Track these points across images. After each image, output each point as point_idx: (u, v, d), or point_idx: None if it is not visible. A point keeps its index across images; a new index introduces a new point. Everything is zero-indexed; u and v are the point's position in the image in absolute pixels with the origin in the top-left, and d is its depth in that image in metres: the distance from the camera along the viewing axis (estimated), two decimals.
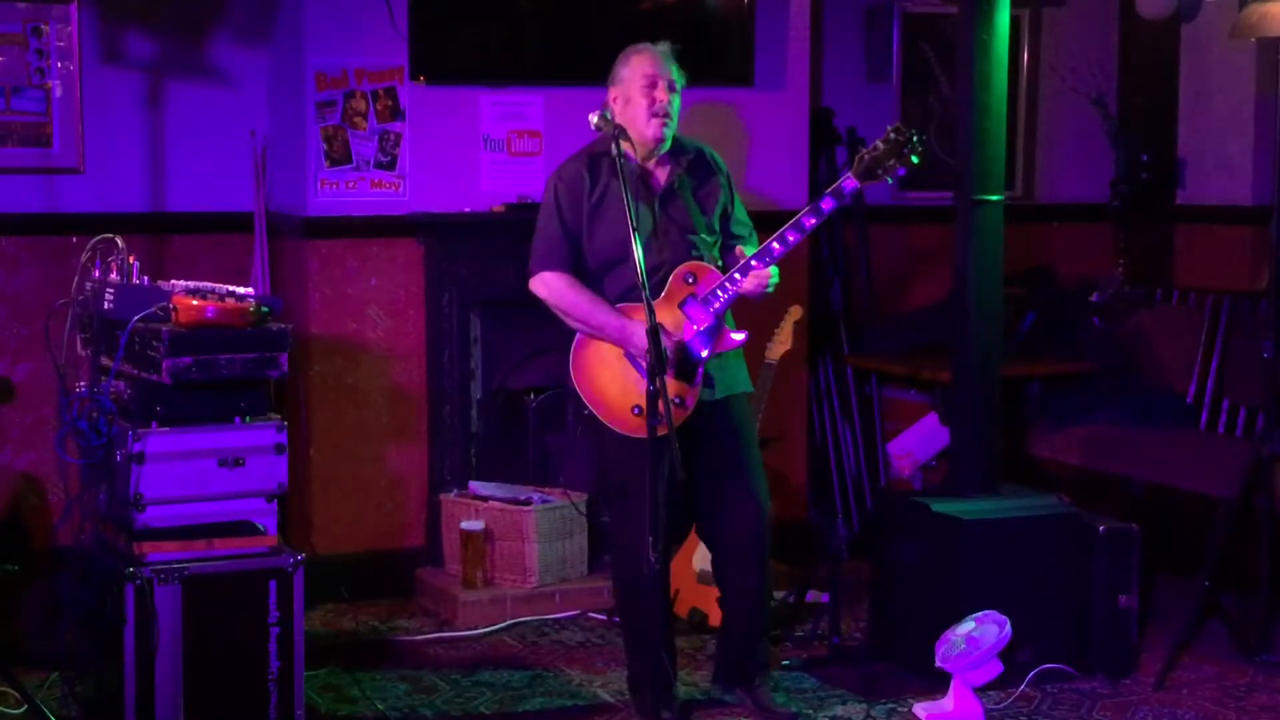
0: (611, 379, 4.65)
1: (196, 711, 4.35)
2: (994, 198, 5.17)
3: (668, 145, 4.75)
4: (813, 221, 4.64)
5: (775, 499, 5.72)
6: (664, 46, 4.77)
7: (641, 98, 4.67)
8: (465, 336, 6.14)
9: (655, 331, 4.28)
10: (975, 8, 5.15)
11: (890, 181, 4.77)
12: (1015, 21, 5.80)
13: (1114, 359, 6.76)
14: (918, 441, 6.27)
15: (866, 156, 4.68)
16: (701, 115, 5.88)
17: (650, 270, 4.66)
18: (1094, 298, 6.92)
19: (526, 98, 6.17)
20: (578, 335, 4.72)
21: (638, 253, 4.35)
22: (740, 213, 4.92)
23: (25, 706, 4.56)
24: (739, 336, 4.75)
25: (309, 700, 4.62)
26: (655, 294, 4.66)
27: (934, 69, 7.10)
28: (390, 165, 6.02)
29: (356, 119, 5.96)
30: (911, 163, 4.70)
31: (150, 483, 4.37)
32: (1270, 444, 5.22)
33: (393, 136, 6.01)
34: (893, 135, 4.68)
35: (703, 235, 4.76)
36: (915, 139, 4.68)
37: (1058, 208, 7.45)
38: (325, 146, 5.93)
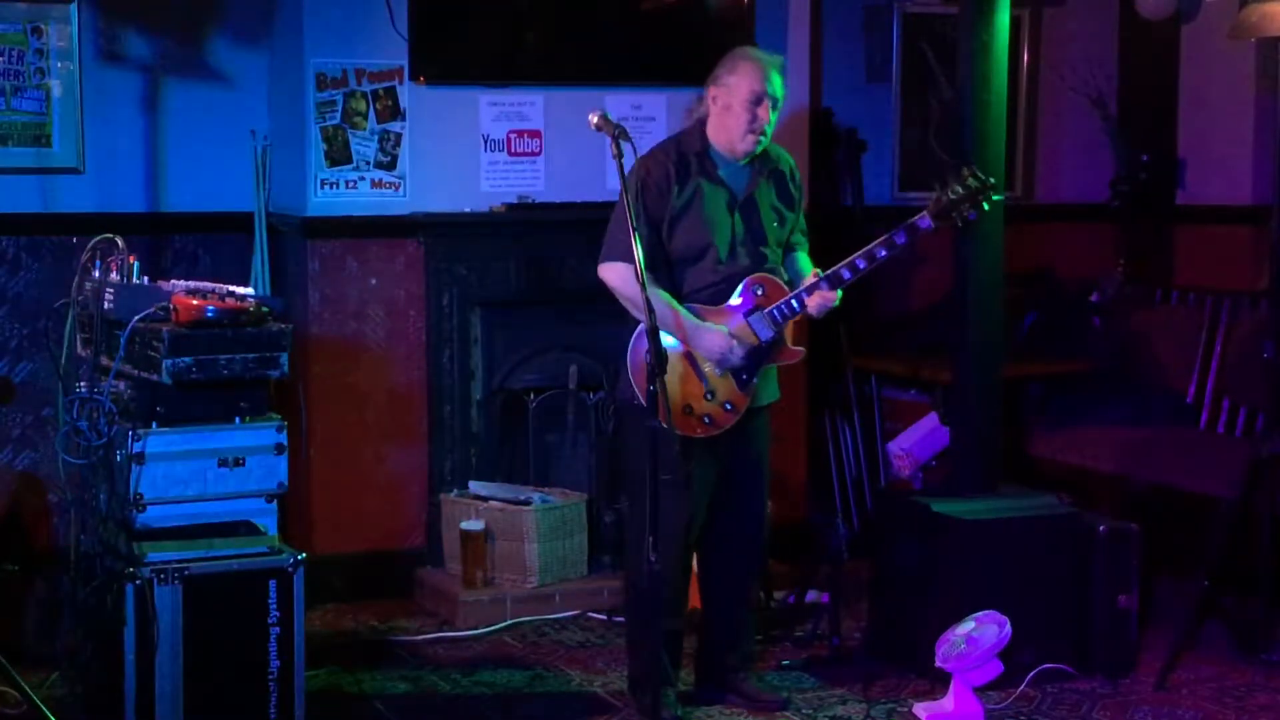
0: (669, 375, 4.63)
1: (196, 711, 4.35)
2: (994, 198, 5.17)
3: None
4: (884, 254, 4.66)
5: (775, 499, 5.74)
6: (775, 58, 4.74)
7: (744, 111, 4.64)
8: (465, 336, 6.14)
9: (655, 332, 4.28)
10: (975, 8, 5.15)
11: (960, 225, 4.78)
12: (1015, 21, 5.80)
13: (1114, 359, 6.76)
14: (918, 441, 6.26)
15: (944, 199, 4.69)
16: None
17: (725, 276, 4.69)
18: (1094, 298, 6.92)
19: (526, 98, 6.17)
20: (641, 326, 4.69)
21: (637, 251, 4.34)
22: (802, 221, 4.94)
23: (25, 706, 4.56)
24: (798, 350, 4.78)
25: (309, 700, 4.61)
26: (723, 299, 4.70)
27: (934, 69, 7.10)
28: (390, 165, 6.02)
29: (356, 119, 5.96)
30: (983, 209, 4.75)
31: (150, 483, 4.37)
32: (1270, 444, 5.22)
33: (393, 136, 6.01)
34: (971, 181, 4.70)
35: (774, 248, 4.78)
36: (991, 186, 4.72)
37: (1058, 208, 7.45)
38: (325, 146, 5.93)
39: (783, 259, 4.87)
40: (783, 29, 6.46)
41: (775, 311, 4.69)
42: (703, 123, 4.76)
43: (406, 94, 6.01)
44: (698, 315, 4.68)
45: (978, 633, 4.76)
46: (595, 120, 4.50)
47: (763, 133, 4.67)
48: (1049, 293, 7.12)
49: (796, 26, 6.50)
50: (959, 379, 5.39)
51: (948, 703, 4.82)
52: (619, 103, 6.13)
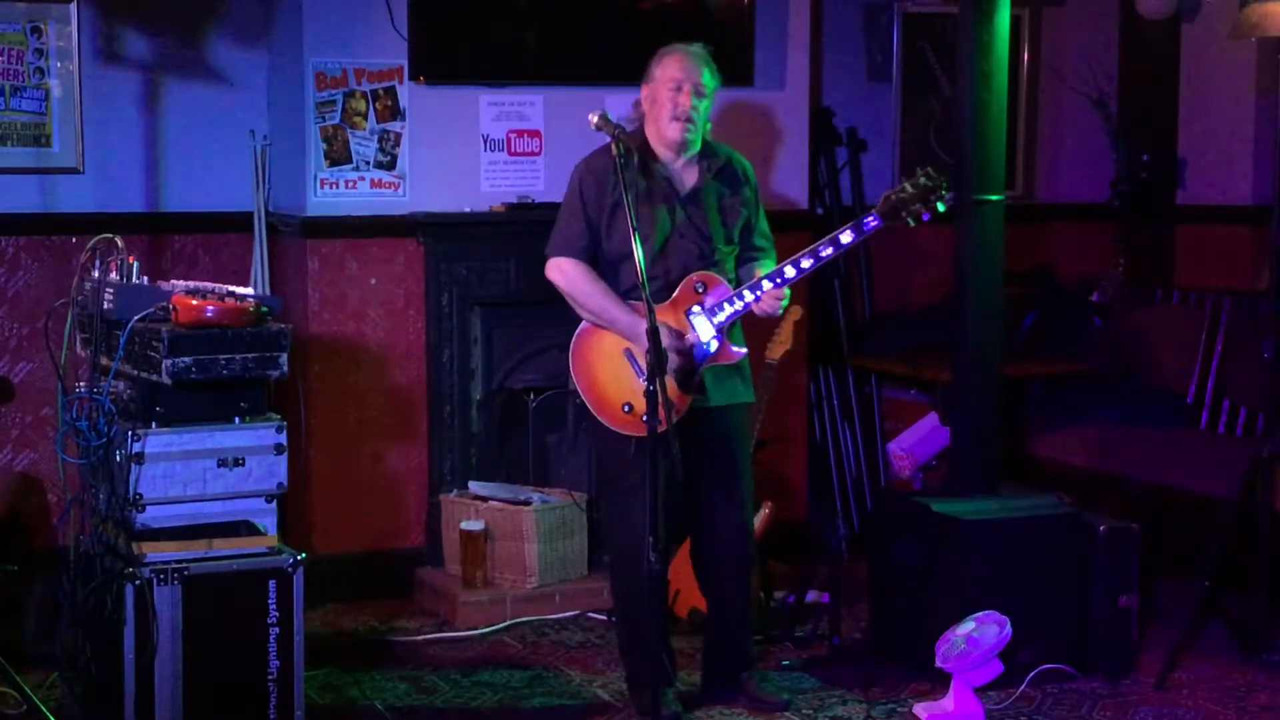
0: (607, 373, 4.66)
1: (196, 711, 4.35)
2: (994, 198, 5.18)
3: (694, 149, 4.75)
4: (829, 251, 4.62)
5: (775, 499, 5.76)
6: (698, 48, 4.76)
7: (666, 100, 4.68)
8: (465, 336, 6.14)
9: (655, 332, 4.29)
10: (975, 8, 5.15)
11: (912, 224, 4.70)
12: (1015, 21, 5.80)
13: (1114, 359, 6.76)
14: (918, 441, 6.26)
15: (893, 197, 4.64)
16: None
17: (662, 272, 4.67)
18: (1094, 298, 6.92)
19: (526, 98, 6.17)
20: (582, 325, 4.72)
21: (638, 252, 4.36)
22: (763, 225, 4.92)
23: (25, 706, 4.56)
24: (739, 350, 4.75)
25: (309, 700, 4.62)
26: (664, 297, 4.68)
27: (934, 69, 7.10)
28: (390, 165, 6.02)
29: (356, 119, 5.96)
30: (937, 210, 4.66)
31: (150, 483, 4.37)
32: (1270, 444, 5.22)
33: (392, 136, 6.01)
34: (923, 180, 4.64)
35: (720, 245, 4.76)
36: (945, 186, 4.65)
37: (1058, 208, 7.44)
38: (325, 146, 5.93)
39: (738, 265, 4.84)
40: (783, 29, 6.46)
41: (715, 310, 4.67)
42: (643, 124, 4.78)
43: (406, 94, 6.01)
44: (640, 313, 4.60)
45: (978, 633, 4.76)
46: (595, 120, 4.51)
47: (689, 119, 4.66)
48: (1049, 293, 7.11)
49: (796, 26, 6.50)
50: (959, 379, 5.39)
51: (948, 703, 4.82)
52: (619, 103, 6.13)
